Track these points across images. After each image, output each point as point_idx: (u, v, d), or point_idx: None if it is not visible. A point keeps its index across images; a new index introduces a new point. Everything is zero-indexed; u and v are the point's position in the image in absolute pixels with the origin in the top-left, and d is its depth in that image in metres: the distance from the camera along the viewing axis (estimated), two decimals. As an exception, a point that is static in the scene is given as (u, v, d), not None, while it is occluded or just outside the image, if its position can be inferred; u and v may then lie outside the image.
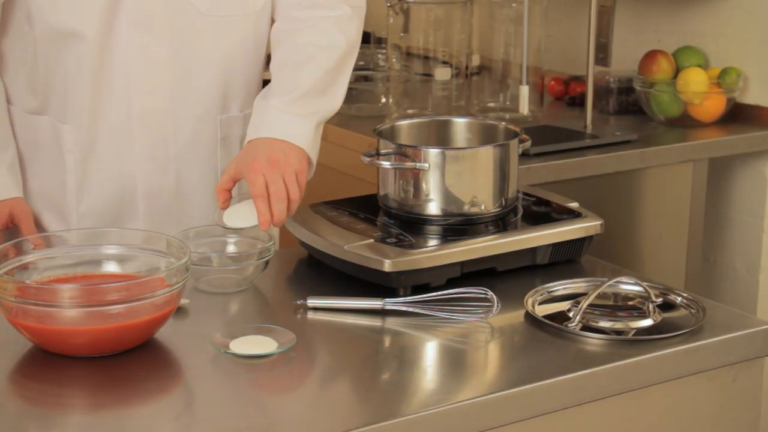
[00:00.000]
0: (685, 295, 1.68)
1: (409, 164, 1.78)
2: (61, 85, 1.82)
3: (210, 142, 1.90)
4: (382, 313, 1.63)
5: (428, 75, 2.97)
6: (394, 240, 1.72)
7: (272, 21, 1.92)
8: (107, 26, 1.78)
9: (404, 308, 1.63)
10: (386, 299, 1.63)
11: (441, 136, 1.95)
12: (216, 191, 1.75)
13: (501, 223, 1.81)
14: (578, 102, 2.95)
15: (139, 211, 1.87)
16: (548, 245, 1.79)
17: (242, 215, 1.73)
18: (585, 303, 1.60)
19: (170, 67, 1.82)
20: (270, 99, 1.82)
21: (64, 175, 1.86)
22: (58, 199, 1.89)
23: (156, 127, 1.84)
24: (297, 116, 1.80)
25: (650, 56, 2.81)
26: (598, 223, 1.83)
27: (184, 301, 1.63)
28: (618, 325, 1.60)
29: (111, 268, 1.63)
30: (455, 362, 1.53)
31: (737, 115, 2.80)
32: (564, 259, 1.82)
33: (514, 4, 2.82)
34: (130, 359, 1.48)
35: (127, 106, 1.82)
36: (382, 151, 1.82)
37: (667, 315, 1.64)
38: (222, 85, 1.88)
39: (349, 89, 1.95)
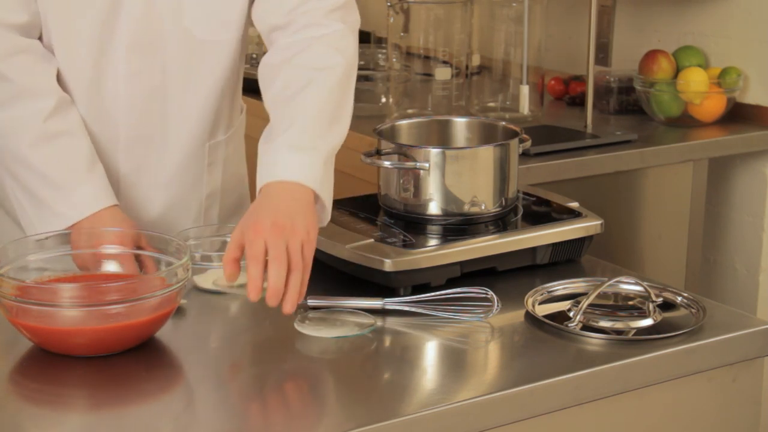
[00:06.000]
0: (685, 294, 1.68)
1: (409, 164, 1.78)
2: None
3: (197, 169, 1.86)
4: (382, 312, 1.63)
5: (428, 75, 2.97)
6: (394, 240, 1.72)
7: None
8: (100, 51, 1.74)
9: (404, 308, 1.63)
10: (386, 299, 1.63)
11: (441, 136, 1.95)
12: (223, 262, 1.54)
13: (501, 222, 1.81)
14: (578, 102, 2.95)
15: None
16: (548, 245, 1.79)
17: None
18: (585, 303, 1.60)
19: (162, 93, 1.78)
20: (273, 139, 1.64)
21: None
22: None
23: (143, 155, 1.81)
24: (304, 151, 1.62)
25: (650, 56, 2.81)
26: (598, 223, 1.83)
27: (184, 301, 1.63)
28: (618, 325, 1.60)
29: (111, 268, 1.63)
30: (455, 362, 1.53)
31: (737, 115, 2.80)
32: (564, 259, 1.82)
33: (514, 4, 2.82)
34: (130, 359, 1.48)
35: (115, 131, 1.78)
36: (383, 151, 1.82)
37: (667, 315, 1.64)
38: (213, 111, 1.83)
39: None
